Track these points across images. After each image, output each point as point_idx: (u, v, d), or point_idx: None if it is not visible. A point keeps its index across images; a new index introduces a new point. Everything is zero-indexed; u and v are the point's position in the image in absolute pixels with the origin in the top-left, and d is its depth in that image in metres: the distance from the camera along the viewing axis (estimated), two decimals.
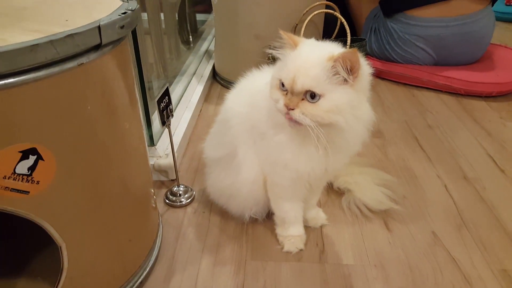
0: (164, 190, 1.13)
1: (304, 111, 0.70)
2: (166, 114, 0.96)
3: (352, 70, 0.68)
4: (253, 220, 1.02)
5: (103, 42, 0.61)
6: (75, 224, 0.66)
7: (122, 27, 0.65)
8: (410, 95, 1.74)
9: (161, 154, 1.16)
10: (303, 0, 1.52)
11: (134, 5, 0.71)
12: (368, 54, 1.95)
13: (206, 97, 1.72)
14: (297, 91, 0.70)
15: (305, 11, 1.50)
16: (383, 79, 1.88)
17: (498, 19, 2.67)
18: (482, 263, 0.92)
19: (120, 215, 0.76)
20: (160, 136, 1.22)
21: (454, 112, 1.59)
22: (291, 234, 0.95)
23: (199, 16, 2.29)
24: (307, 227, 1.00)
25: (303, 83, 0.69)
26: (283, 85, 0.72)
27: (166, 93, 0.95)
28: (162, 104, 0.93)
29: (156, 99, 0.91)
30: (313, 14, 1.44)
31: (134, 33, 1.01)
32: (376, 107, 1.61)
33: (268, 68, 0.87)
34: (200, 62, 1.87)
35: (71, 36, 0.56)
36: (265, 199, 0.94)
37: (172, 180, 1.16)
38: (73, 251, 0.67)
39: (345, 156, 0.82)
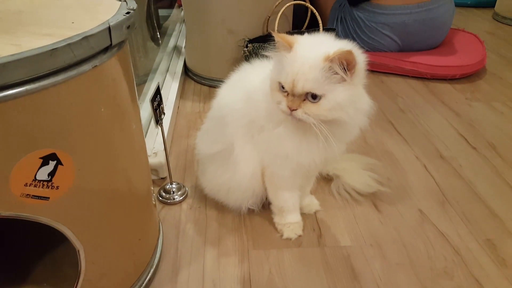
0: (155, 189, 1.13)
1: (307, 111, 0.73)
2: (159, 113, 0.96)
3: (348, 67, 0.70)
4: (250, 212, 1.04)
5: (113, 43, 0.61)
6: (91, 226, 0.67)
7: (128, 27, 0.65)
8: (379, 82, 1.80)
9: (149, 153, 1.16)
10: None
11: (133, 4, 0.71)
12: None
13: (182, 94, 1.71)
14: (298, 93, 0.72)
15: (277, 3, 1.52)
16: None
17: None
18: (468, 235, 0.98)
19: (130, 214, 0.76)
20: (145, 135, 1.22)
21: (422, 96, 1.67)
22: (289, 222, 0.98)
23: (161, 12, 2.26)
24: (302, 214, 1.03)
25: (303, 86, 0.71)
26: (283, 87, 0.74)
27: (158, 91, 0.95)
28: (155, 103, 0.94)
29: (150, 98, 0.91)
30: (286, 6, 1.47)
31: None
32: None
33: (259, 63, 0.89)
34: (171, 59, 1.86)
35: (86, 38, 0.55)
36: (263, 191, 0.96)
37: (162, 178, 1.16)
38: (90, 254, 0.67)
39: (344, 145, 0.86)
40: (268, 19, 1.56)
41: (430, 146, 1.33)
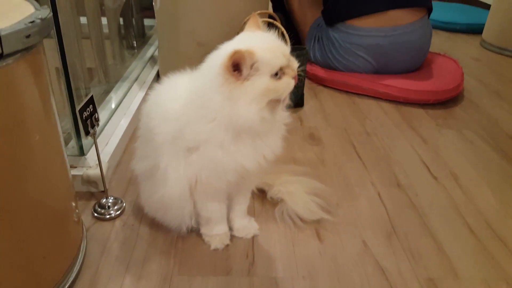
0: (93, 202, 1.09)
1: (296, 69, 0.80)
2: (90, 123, 0.92)
3: None
4: (190, 232, 1.00)
5: (5, 52, 0.58)
6: None
7: (28, 36, 0.61)
8: (351, 103, 1.76)
9: (92, 164, 1.12)
10: (245, 9, 1.52)
11: (45, 13, 0.68)
12: (311, 62, 1.97)
13: None
14: (289, 60, 0.79)
15: (245, 19, 1.49)
16: (326, 86, 1.90)
17: (440, 28, 2.79)
18: (409, 272, 0.93)
19: (31, 231, 0.72)
20: (91, 146, 1.18)
21: (392, 120, 1.63)
22: (217, 233, 0.97)
23: (148, 21, 2.25)
24: (239, 238, 0.99)
25: (287, 49, 0.79)
26: (276, 74, 0.76)
27: (90, 101, 0.91)
28: (86, 113, 0.90)
29: (78, 109, 0.87)
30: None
31: (60, 39, 0.97)
32: (317, 114, 1.64)
33: (186, 74, 0.87)
34: (144, 68, 1.83)
35: None
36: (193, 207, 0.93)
37: (102, 191, 1.12)
38: None
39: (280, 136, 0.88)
40: (237, 34, 1.53)
41: (388, 173, 1.29)
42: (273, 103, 0.78)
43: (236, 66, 0.73)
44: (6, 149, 0.63)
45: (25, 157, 0.67)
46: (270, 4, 2.06)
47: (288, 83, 0.78)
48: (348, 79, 1.82)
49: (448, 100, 1.77)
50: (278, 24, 1.49)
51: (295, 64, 0.80)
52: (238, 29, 1.52)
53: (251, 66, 0.73)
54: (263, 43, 0.77)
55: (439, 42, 2.60)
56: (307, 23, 1.97)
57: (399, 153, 1.40)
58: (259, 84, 0.75)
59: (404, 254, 0.98)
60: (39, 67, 0.68)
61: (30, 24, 0.61)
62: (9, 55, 0.59)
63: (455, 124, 1.62)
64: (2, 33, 0.56)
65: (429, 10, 1.85)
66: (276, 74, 0.76)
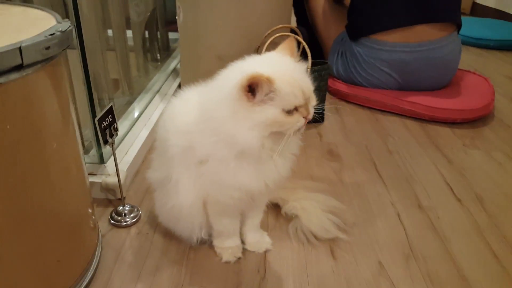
0: (111, 209, 1.11)
1: (311, 107, 0.78)
2: (109, 133, 0.94)
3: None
4: (202, 243, 0.99)
5: (25, 62, 0.61)
6: None
7: (47, 48, 0.64)
8: (374, 119, 1.74)
9: (111, 172, 1.14)
10: (266, 23, 1.52)
11: (65, 26, 0.70)
12: (333, 77, 1.95)
13: None
14: (309, 96, 0.77)
15: (266, 33, 1.50)
16: (348, 102, 1.88)
17: (472, 44, 2.73)
18: None
19: (46, 236, 0.73)
20: (111, 155, 1.20)
21: (416, 138, 1.59)
22: (229, 246, 0.96)
23: (172, 35, 2.29)
24: (251, 252, 0.98)
25: (310, 90, 0.77)
26: (289, 111, 0.74)
27: (110, 111, 0.93)
28: (105, 123, 0.92)
29: (97, 119, 0.89)
30: (273, 37, 1.44)
31: (82, 50, 1.00)
32: (337, 131, 1.62)
33: (199, 87, 0.87)
34: (166, 80, 1.86)
35: None
36: (205, 219, 0.92)
37: (119, 199, 1.14)
38: None
39: (290, 159, 0.85)
40: (258, 49, 1.53)
41: (409, 193, 1.25)
42: (277, 134, 0.76)
43: (252, 88, 0.71)
44: (24, 157, 0.64)
45: (43, 164, 0.69)
46: (294, 19, 2.06)
47: (297, 121, 0.75)
48: (371, 95, 1.80)
49: (476, 120, 1.72)
50: (300, 38, 1.49)
51: (312, 102, 0.78)
52: (259, 44, 1.53)
53: (266, 94, 0.72)
54: (286, 74, 0.74)
55: (470, 59, 2.54)
56: (330, 37, 1.96)
57: (422, 173, 1.36)
58: (268, 114, 0.73)
59: (422, 278, 0.95)
60: (59, 78, 0.71)
61: (50, 37, 0.63)
62: (29, 65, 0.61)
63: (483, 145, 1.57)
64: (23, 45, 0.59)
65: (458, 26, 1.81)
66: (290, 110, 0.74)
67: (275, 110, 0.73)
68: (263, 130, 0.74)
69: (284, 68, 0.76)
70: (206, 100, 0.80)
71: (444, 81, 1.85)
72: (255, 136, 0.74)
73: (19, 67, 0.60)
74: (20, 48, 0.59)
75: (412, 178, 1.33)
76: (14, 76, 0.60)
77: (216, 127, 0.76)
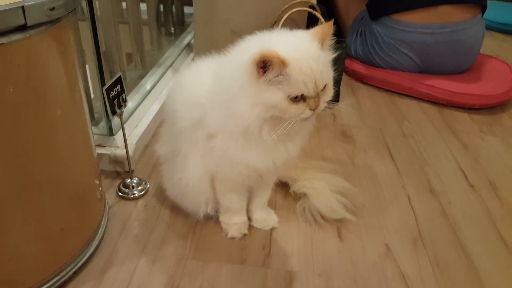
0: (119, 181, 1.11)
1: (323, 100, 0.74)
2: (117, 103, 0.93)
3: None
4: (205, 219, 0.99)
5: (29, 23, 0.59)
6: None
7: (52, 9, 0.62)
8: (390, 102, 1.70)
9: (120, 144, 1.14)
10: None
11: None
12: (351, 57, 1.91)
13: None
14: (320, 90, 0.72)
15: (283, 8, 1.47)
16: (365, 83, 1.84)
17: (496, 29, 2.64)
18: (432, 281, 0.88)
19: (50, 203, 0.73)
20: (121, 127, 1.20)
21: (432, 122, 1.56)
22: (235, 222, 0.96)
23: (188, 9, 2.26)
24: (257, 229, 0.98)
25: (322, 82, 0.71)
26: (295, 98, 0.71)
27: (118, 81, 0.92)
28: (113, 93, 0.91)
29: (105, 88, 0.88)
30: (290, 12, 1.40)
31: (93, 19, 0.99)
32: (352, 112, 1.59)
33: (212, 58, 0.85)
34: (180, 55, 1.84)
35: None
36: (212, 194, 0.92)
37: (128, 172, 1.13)
38: None
39: (303, 139, 0.84)
40: (274, 24, 1.50)
41: (422, 177, 1.23)
42: (280, 119, 0.73)
43: (264, 65, 0.68)
44: (27, 120, 0.64)
45: (46, 130, 0.68)
46: None
47: (301, 112, 0.72)
48: (389, 77, 1.75)
49: (495, 106, 1.67)
50: (318, 14, 1.45)
51: (326, 97, 0.74)
52: (275, 18, 1.50)
53: (276, 76, 0.69)
54: (304, 61, 0.69)
55: (493, 44, 2.46)
56: (350, 15, 1.91)
57: (435, 158, 1.33)
58: (271, 97, 0.70)
59: (428, 262, 0.93)
60: (65, 42, 0.69)
61: None
62: (33, 27, 0.60)
63: (500, 131, 1.52)
64: (26, 4, 0.57)
65: (483, 8, 1.73)
66: (296, 97, 0.71)
67: (279, 94, 0.70)
68: (264, 111, 0.71)
69: (305, 54, 0.70)
70: (222, 69, 0.78)
71: (465, 65, 1.80)
72: (255, 114, 0.71)
73: (22, 28, 0.59)
74: (23, 7, 0.57)
75: (425, 162, 1.30)
76: (17, 36, 0.58)
77: (226, 98, 0.74)
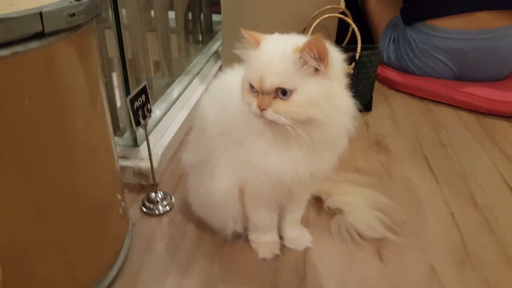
0: (143, 195, 1.06)
1: (278, 109, 0.66)
2: (142, 114, 0.89)
3: (320, 58, 0.63)
4: (233, 237, 0.93)
5: (47, 30, 0.55)
6: (10, 231, 0.59)
7: (72, 15, 0.57)
8: (426, 110, 1.62)
9: (144, 156, 1.09)
10: (313, 4, 1.44)
11: None
12: (384, 64, 1.84)
13: None
14: (266, 90, 0.66)
15: (314, 15, 1.41)
16: (398, 91, 1.77)
17: None
18: None
19: (69, 222, 0.68)
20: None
21: (471, 132, 1.47)
22: (266, 241, 0.90)
23: (216, 17, 2.24)
24: (289, 249, 0.91)
25: (271, 81, 0.65)
26: (253, 86, 0.67)
27: (143, 91, 0.87)
28: (137, 103, 0.86)
29: (129, 98, 0.83)
30: (320, 18, 1.35)
31: (118, 27, 0.95)
32: (386, 120, 1.52)
33: (239, 67, 0.80)
34: (207, 62, 1.81)
35: (2, 21, 0.49)
36: (240, 209, 0.86)
37: (153, 185, 1.08)
38: (8, 262, 0.60)
39: (333, 155, 0.77)
40: (304, 31, 1.45)
41: (464, 190, 1.14)
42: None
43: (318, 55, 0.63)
44: (44, 132, 0.59)
45: (66, 143, 0.63)
46: (342, 2, 1.96)
47: (250, 102, 0.68)
48: (424, 84, 1.68)
49: None
50: (350, 21, 1.39)
51: (283, 107, 0.65)
52: (305, 25, 1.44)
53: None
54: (268, 52, 0.67)
55: None
56: (383, 21, 1.85)
57: (477, 169, 1.24)
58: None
59: (479, 286, 0.85)
60: (86, 50, 0.65)
61: (76, 3, 0.57)
62: (51, 34, 0.56)
63: None
64: (44, 10, 0.53)
65: None
66: (252, 86, 0.67)
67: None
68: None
69: (275, 49, 0.66)
70: None
71: (503, 73, 1.71)
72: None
73: (40, 35, 0.54)
74: (41, 13, 0.53)
75: (466, 174, 1.22)
76: (34, 44, 0.54)
77: None
